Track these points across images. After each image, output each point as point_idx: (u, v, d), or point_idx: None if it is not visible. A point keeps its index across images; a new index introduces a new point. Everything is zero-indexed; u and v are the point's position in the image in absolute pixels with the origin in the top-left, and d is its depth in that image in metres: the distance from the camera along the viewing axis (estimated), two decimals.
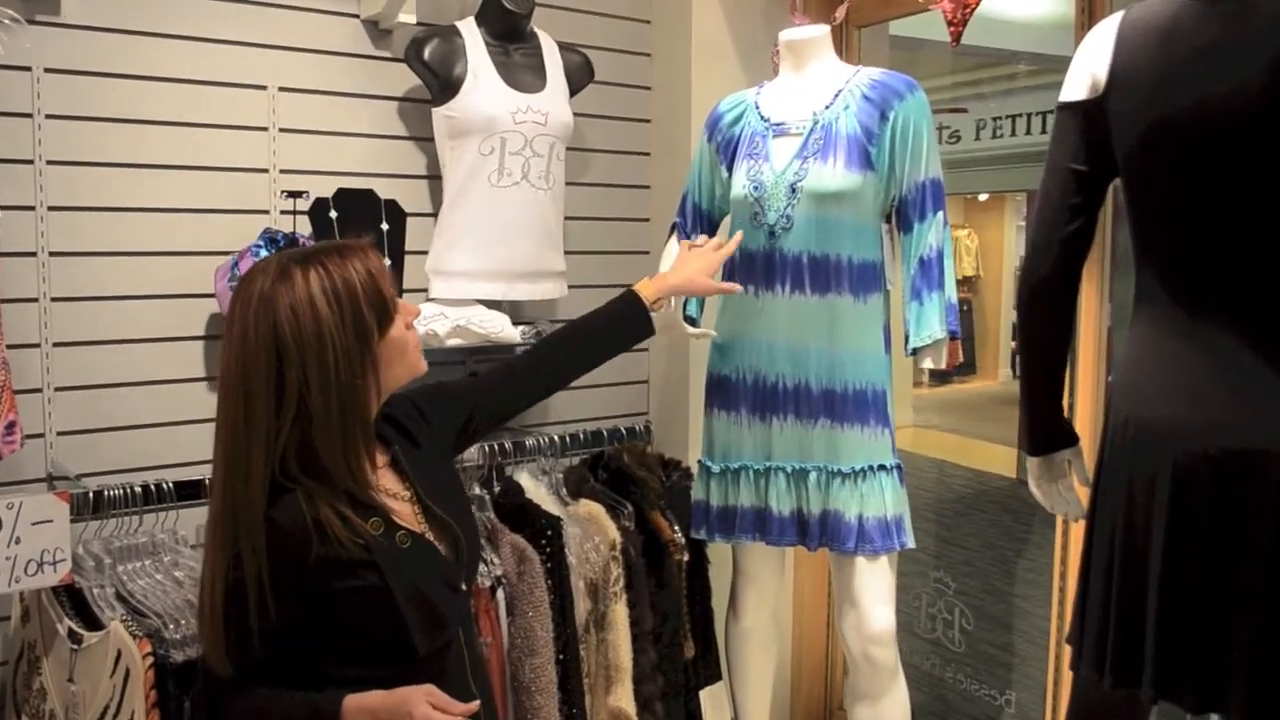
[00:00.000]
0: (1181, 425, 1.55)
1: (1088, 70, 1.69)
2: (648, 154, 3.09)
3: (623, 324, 2.10)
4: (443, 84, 2.48)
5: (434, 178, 2.65)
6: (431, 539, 1.60)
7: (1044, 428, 1.88)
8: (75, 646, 1.89)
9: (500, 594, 2.23)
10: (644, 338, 2.15)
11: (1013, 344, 8.14)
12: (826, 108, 2.28)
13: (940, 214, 2.24)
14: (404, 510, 1.59)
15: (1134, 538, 1.61)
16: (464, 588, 1.65)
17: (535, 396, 2.00)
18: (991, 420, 7.03)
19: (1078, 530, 2.37)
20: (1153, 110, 1.58)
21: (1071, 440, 1.89)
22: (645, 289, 2.12)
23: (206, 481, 2.08)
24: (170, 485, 2.07)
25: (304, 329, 1.42)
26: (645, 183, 3.10)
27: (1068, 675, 2.41)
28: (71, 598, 1.97)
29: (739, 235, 2.25)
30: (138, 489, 2.05)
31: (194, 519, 2.14)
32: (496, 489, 2.43)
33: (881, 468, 2.28)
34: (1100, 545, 1.68)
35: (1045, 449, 1.89)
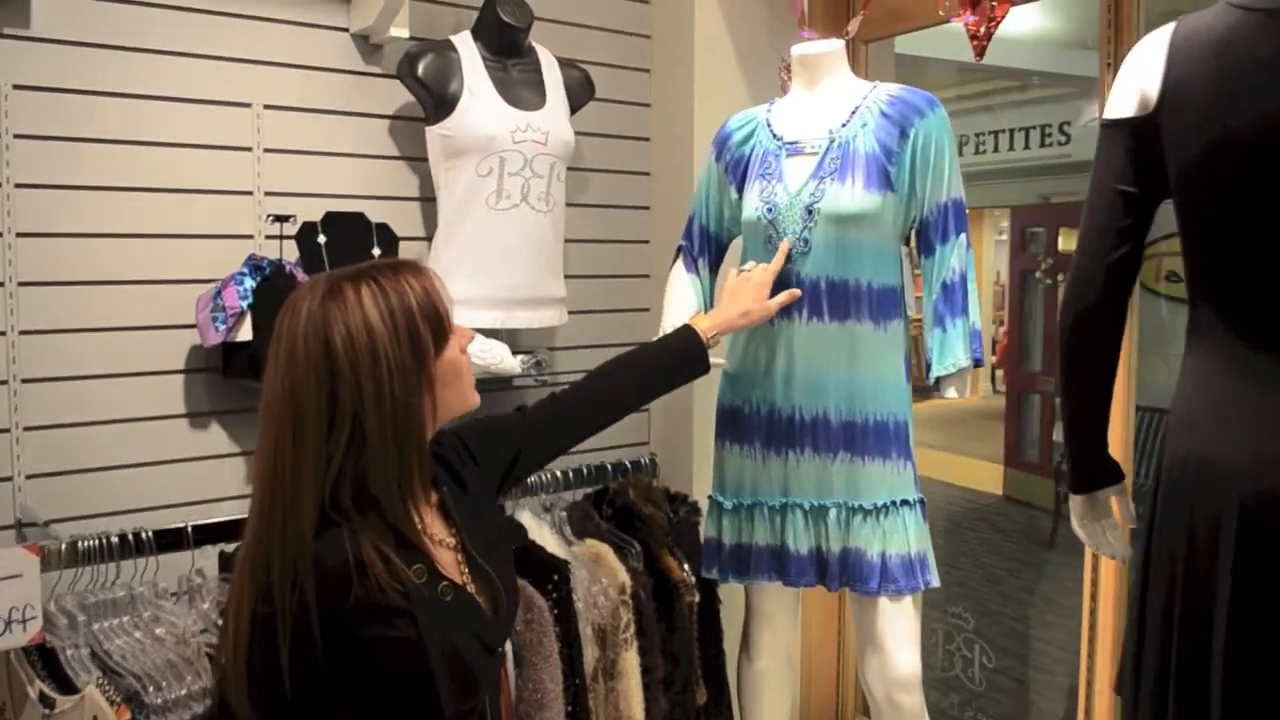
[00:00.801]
0: (1246, 464, 1.45)
1: (1136, 86, 1.59)
2: (648, 173, 2.98)
3: (677, 359, 2.04)
4: (437, 101, 2.35)
5: (427, 200, 2.52)
6: (473, 592, 1.51)
7: (1088, 465, 1.78)
8: (47, 711, 1.74)
9: (508, 644, 2.09)
10: (699, 375, 2.09)
11: (993, 359, 8.12)
12: (843, 125, 2.17)
13: (963, 236, 2.14)
14: (447, 559, 1.50)
15: (1196, 584, 1.50)
16: (498, 650, 1.56)
17: (583, 433, 1.91)
18: (975, 436, 6.98)
19: (1108, 564, 2.27)
20: (1210, 127, 1.48)
21: (1116, 477, 1.78)
22: (701, 323, 2.06)
23: (189, 529, 1.97)
24: (150, 535, 1.92)
25: (358, 346, 1.35)
26: (645, 203, 2.98)
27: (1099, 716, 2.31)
28: (43, 658, 1.81)
29: (785, 245, 2.14)
30: (114, 539, 1.90)
31: (176, 568, 2.00)
32: None
33: (904, 503, 2.17)
34: (1157, 590, 1.57)
35: (1090, 486, 1.78)
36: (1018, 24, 3.81)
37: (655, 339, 2.08)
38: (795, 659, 2.93)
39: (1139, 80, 1.58)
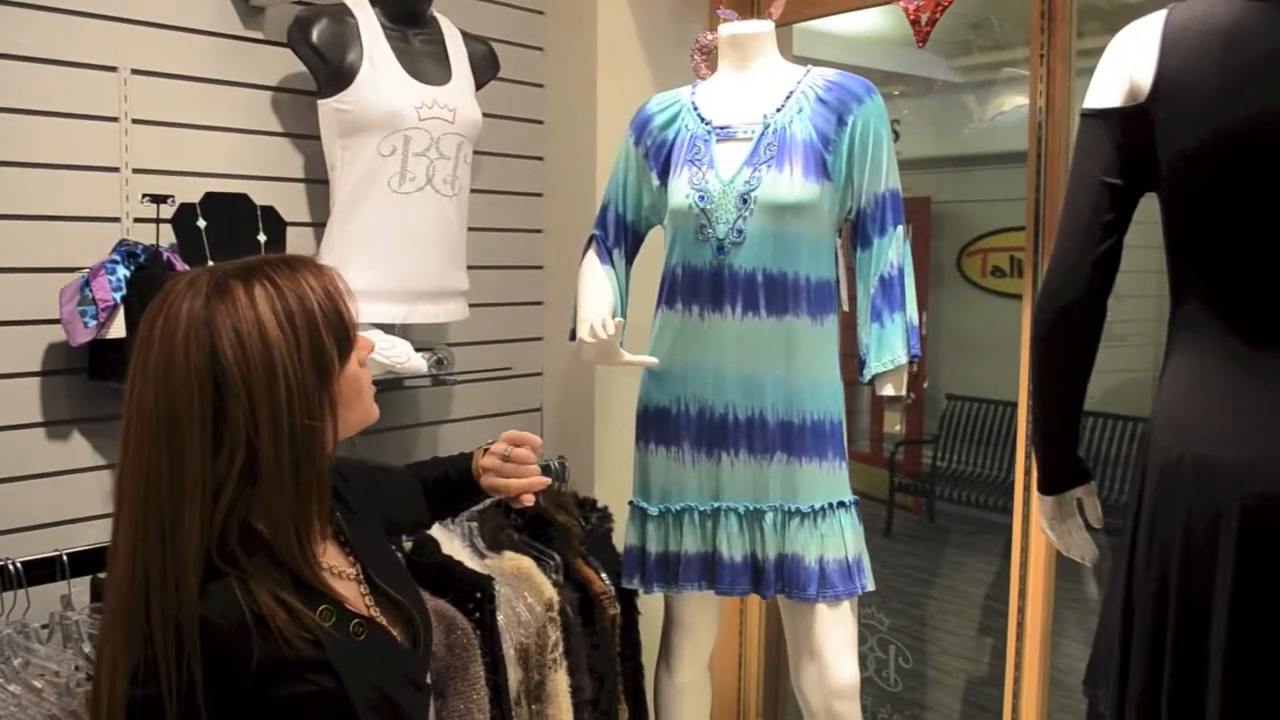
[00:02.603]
0: (1248, 464, 1.42)
1: (1124, 74, 1.53)
2: (541, 158, 2.79)
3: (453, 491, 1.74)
4: (333, 72, 2.11)
5: (317, 181, 2.27)
6: (386, 624, 1.33)
7: (1059, 465, 1.73)
8: None
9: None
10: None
11: None
12: (778, 110, 2.07)
13: (900, 228, 2.08)
14: (350, 592, 1.31)
15: (1193, 588, 1.46)
16: (425, 684, 1.39)
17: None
18: None
19: (1036, 559, 2.25)
20: (1212, 120, 1.44)
21: (1085, 477, 1.74)
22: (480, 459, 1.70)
23: (64, 557, 1.70)
24: (18, 566, 1.64)
25: (251, 357, 1.14)
26: (538, 190, 2.80)
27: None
28: None
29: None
30: None
31: (47, 604, 1.71)
32: (408, 546, 2.09)
33: (840, 505, 2.10)
34: (1145, 595, 1.52)
35: (1060, 487, 1.74)
36: (853, 22, 3.83)
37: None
38: None
39: (1127, 69, 1.53)
